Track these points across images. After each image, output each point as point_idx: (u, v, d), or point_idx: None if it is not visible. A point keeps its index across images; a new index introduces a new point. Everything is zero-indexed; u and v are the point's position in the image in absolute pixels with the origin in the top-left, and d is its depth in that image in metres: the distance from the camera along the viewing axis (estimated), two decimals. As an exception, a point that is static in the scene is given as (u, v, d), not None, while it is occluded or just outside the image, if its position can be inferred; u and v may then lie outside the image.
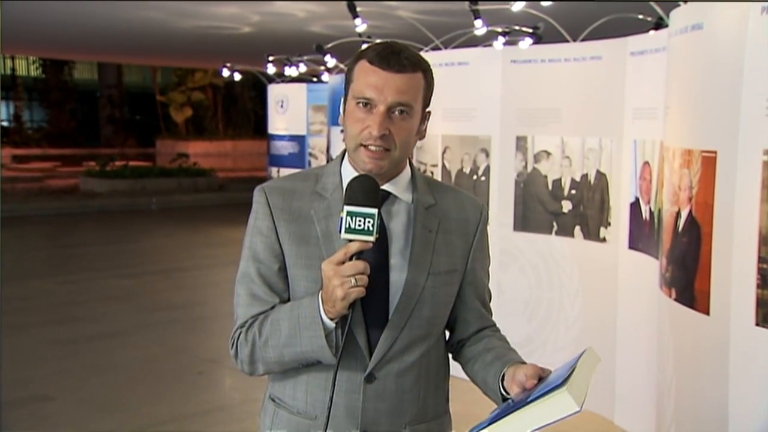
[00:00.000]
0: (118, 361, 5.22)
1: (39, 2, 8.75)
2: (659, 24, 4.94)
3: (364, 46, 1.55)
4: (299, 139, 9.73)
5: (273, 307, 1.52)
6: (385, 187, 1.51)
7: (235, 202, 14.33)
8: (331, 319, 1.42)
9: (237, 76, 12.41)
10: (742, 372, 2.39)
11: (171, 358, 5.29)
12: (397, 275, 1.51)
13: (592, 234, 4.26)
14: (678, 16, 2.89)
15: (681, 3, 3.39)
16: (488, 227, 1.67)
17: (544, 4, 5.42)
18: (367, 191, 1.40)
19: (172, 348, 5.52)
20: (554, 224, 4.46)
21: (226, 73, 11.96)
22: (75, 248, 9.84)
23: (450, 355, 1.69)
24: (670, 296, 2.81)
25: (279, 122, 10.07)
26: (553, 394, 1.24)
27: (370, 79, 1.45)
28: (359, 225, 1.37)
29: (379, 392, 1.51)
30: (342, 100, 1.54)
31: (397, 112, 1.45)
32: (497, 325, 1.70)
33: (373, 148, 1.45)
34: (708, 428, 2.55)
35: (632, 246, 3.96)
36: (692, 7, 2.80)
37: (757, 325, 2.32)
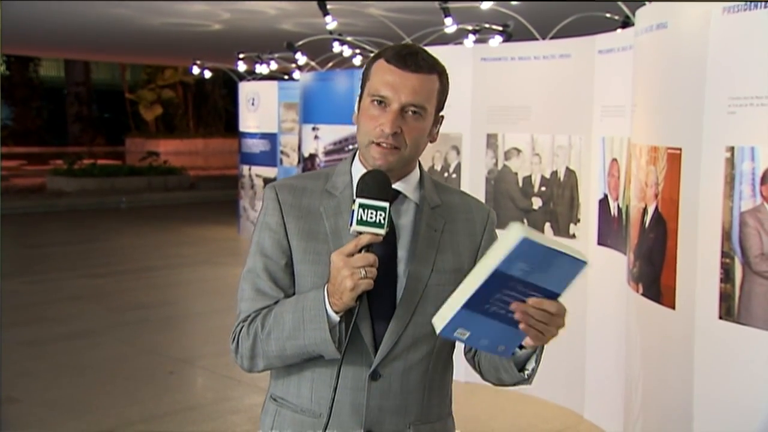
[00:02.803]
0: (87, 361, 5.15)
1: (3, -2, 8.59)
2: (626, 23, 5.02)
3: (384, 46, 1.57)
4: (271, 137, 9.67)
5: (277, 302, 1.52)
6: (395, 185, 1.52)
7: (206, 201, 14.22)
8: (336, 312, 1.43)
9: (207, 74, 12.32)
10: (706, 364, 2.44)
11: (141, 358, 5.24)
12: (403, 271, 1.53)
13: (561, 230, 4.31)
14: (643, 15, 2.93)
15: (646, 2, 3.44)
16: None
17: (513, 2, 5.46)
18: (379, 185, 1.42)
19: (142, 348, 5.47)
20: (525, 221, 4.50)
21: (196, 70, 11.87)
22: (42, 248, 9.68)
23: (473, 362, 1.65)
24: (637, 291, 2.85)
25: (250, 120, 10.00)
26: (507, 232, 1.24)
27: (386, 77, 1.48)
28: (371, 217, 1.38)
29: (383, 390, 1.51)
30: (358, 98, 1.57)
31: (410, 112, 1.48)
32: None
33: (384, 144, 1.48)
34: (673, 420, 2.60)
35: (601, 242, 4.02)
36: (657, 7, 2.85)
37: (721, 318, 2.37)
